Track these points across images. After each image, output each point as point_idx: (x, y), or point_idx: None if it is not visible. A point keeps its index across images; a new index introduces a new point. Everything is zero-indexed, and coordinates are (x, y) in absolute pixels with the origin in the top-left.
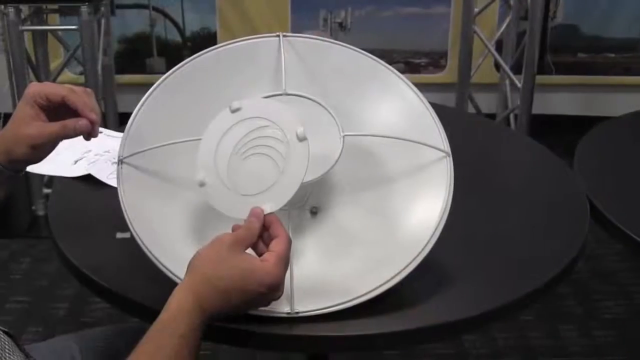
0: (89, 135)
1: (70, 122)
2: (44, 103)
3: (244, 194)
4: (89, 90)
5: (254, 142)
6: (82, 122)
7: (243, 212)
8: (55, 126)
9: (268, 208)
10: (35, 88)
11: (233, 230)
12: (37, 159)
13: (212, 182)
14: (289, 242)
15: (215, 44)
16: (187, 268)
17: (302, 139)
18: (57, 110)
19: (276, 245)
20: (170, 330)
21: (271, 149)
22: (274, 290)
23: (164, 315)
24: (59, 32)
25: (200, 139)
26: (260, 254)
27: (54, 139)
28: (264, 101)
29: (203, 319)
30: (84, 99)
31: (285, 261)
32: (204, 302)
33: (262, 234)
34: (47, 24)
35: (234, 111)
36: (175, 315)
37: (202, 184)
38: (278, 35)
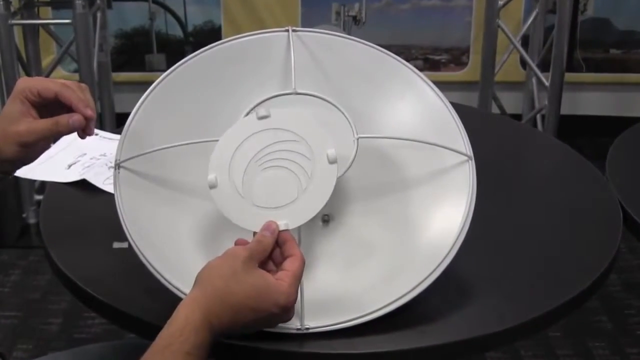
0: (84, 132)
1: (63, 118)
2: (35, 99)
3: (258, 205)
4: (83, 85)
5: (277, 154)
6: (75, 118)
7: (254, 224)
8: (46, 123)
9: (283, 225)
10: (25, 83)
11: (236, 244)
12: (28, 159)
13: (224, 187)
14: (303, 263)
15: (219, 39)
16: (196, 281)
17: (332, 161)
18: (49, 106)
19: (291, 265)
20: (175, 346)
21: (296, 165)
22: (287, 311)
23: (168, 330)
24: (52, 27)
25: (202, 142)
26: (267, 272)
27: (46, 136)
28: (295, 113)
29: (210, 335)
30: (78, 94)
31: (299, 282)
32: (213, 318)
33: (273, 251)
34: (38, 18)
35: (260, 118)
36: (182, 331)
37: (212, 186)
38: (287, 30)
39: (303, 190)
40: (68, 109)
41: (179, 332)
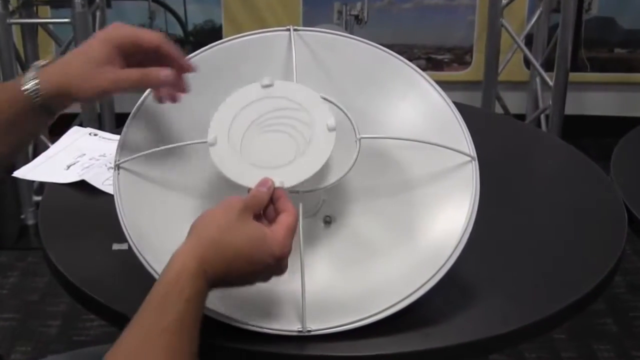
0: (177, 89)
1: (153, 71)
2: (128, 47)
3: (256, 164)
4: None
5: (278, 119)
6: (167, 72)
7: (250, 181)
8: (135, 74)
9: (278, 182)
10: (119, 30)
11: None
12: (92, 102)
13: (223, 145)
14: (297, 218)
15: (220, 38)
16: (190, 230)
17: (331, 129)
18: (132, 57)
19: (285, 218)
20: (175, 293)
21: (295, 130)
22: (281, 262)
23: (164, 279)
24: (50, 26)
25: (204, 142)
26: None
27: (131, 87)
28: (298, 86)
29: (206, 284)
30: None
31: (293, 235)
32: (207, 267)
33: (267, 208)
34: (37, 17)
35: (264, 86)
36: (177, 279)
37: (211, 144)
38: (289, 29)
39: (301, 153)
40: (158, 63)
41: (174, 280)
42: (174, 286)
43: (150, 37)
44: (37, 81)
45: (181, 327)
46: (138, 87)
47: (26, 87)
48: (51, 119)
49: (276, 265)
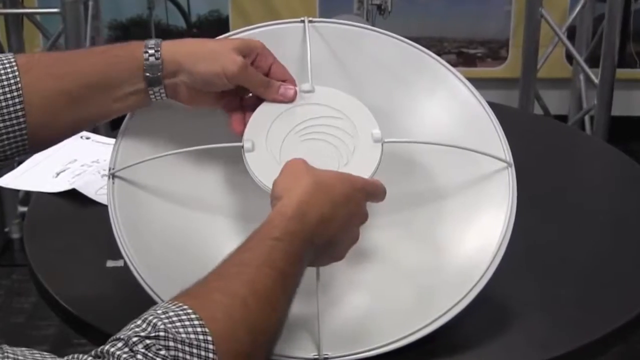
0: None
1: (277, 84)
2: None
3: None
4: None
5: (319, 127)
6: (292, 92)
7: None
8: (261, 78)
9: None
10: (261, 45)
11: None
12: (209, 86)
13: (261, 152)
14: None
15: (226, 31)
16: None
17: (376, 140)
18: None
19: None
20: (264, 232)
21: (337, 140)
22: (366, 189)
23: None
24: (37, 17)
25: (207, 147)
26: None
27: (251, 85)
28: (340, 93)
29: (303, 227)
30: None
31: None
32: (308, 208)
33: None
34: (22, 7)
35: (304, 92)
36: (272, 219)
37: (248, 150)
38: (303, 21)
39: (344, 164)
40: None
41: (267, 220)
42: (266, 226)
43: (267, 55)
44: (159, 47)
45: (265, 263)
46: (253, 90)
47: (147, 48)
48: (145, 102)
49: (366, 196)
